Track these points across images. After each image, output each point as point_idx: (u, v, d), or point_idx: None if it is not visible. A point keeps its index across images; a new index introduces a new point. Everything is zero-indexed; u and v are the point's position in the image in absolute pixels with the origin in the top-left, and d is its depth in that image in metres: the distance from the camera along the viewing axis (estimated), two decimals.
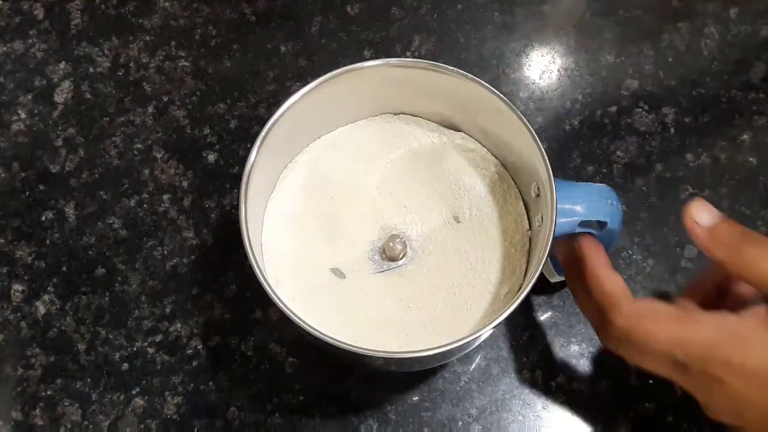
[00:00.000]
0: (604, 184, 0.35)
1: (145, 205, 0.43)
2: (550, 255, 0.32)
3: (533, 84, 0.47)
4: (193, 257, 0.42)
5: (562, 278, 0.38)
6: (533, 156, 0.34)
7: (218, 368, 0.39)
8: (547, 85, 0.47)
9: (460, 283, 0.35)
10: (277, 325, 0.40)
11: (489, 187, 0.38)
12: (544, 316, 0.40)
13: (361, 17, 0.49)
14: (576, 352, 0.39)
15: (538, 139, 0.33)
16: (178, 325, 0.40)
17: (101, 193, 0.44)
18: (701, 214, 0.30)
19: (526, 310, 0.40)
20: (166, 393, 0.39)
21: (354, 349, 0.30)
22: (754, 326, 0.28)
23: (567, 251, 0.34)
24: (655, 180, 0.44)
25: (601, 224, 0.34)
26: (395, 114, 0.39)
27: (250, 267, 0.31)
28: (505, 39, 0.48)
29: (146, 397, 0.39)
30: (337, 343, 0.30)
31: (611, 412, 0.38)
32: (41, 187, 0.44)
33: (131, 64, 0.47)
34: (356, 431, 0.38)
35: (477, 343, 0.36)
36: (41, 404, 0.39)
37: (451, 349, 0.30)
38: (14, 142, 0.45)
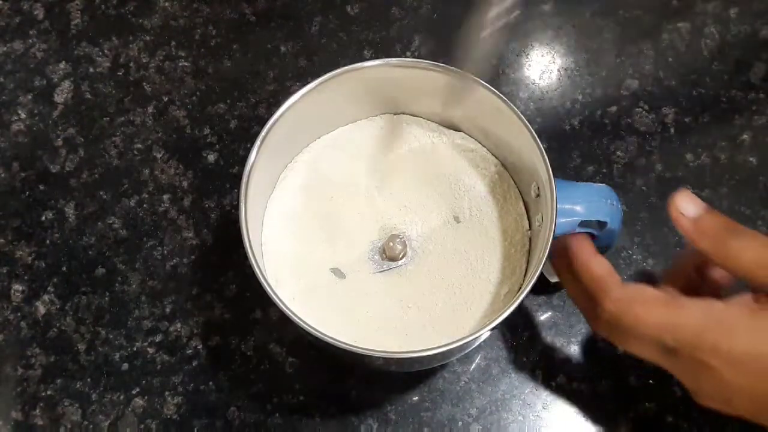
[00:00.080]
0: (604, 184, 0.35)
1: (145, 205, 0.43)
2: (550, 255, 0.32)
3: (533, 84, 0.47)
4: (193, 257, 0.42)
5: None
6: (533, 156, 0.34)
7: (218, 368, 0.39)
8: (547, 85, 0.47)
9: (460, 283, 0.35)
10: (277, 325, 0.40)
11: (489, 187, 0.38)
12: (544, 316, 0.40)
13: (361, 17, 0.49)
14: (576, 352, 0.39)
15: (538, 139, 0.33)
16: (178, 325, 0.40)
17: (101, 193, 0.44)
18: (686, 205, 0.31)
19: (526, 310, 0.40)
20: (166, 393, 0.39)
21: (354, 349, 0.30)
22: (739, 313, 0.28)
23: (555, 243, 0.34)
24: (655, 180, 0.44)
25: (601, 224, 0.34)
26: (395, 114, 0.39)
27: (250, 267, 0.31)
28: (505, 39, 0.48)
29: (146, 397, 0.39)
30: (337, 343, 0.30)
31: (611, 412, 0.38)
32: (41, 187, 0.44)
33: (131, 64, 0.47)
34: (356, 431, 0.38)
35: (477, 343, 0.36)
36: (41, 404, 0.39)
37: (451, 349, 0.30)
38: (14, 142, 0.45)
